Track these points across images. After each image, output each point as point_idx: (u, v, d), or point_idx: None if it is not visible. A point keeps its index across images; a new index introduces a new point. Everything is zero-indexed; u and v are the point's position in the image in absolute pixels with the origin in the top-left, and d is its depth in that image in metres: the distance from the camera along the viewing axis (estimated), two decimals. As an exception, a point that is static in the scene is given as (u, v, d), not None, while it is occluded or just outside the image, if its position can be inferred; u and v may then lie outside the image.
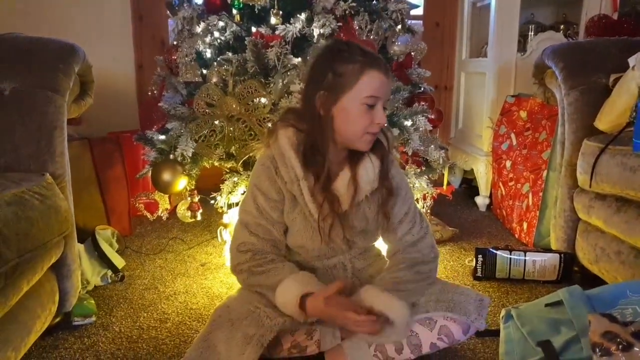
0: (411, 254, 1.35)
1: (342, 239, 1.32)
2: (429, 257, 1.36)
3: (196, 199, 2.04)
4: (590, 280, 1.80)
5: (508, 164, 2.52)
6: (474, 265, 1.92)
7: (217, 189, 1.93)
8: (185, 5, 2.04)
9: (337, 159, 1.30)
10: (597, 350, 1.08)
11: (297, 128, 1.27)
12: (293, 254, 1.38)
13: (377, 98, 1.20)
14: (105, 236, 2.07)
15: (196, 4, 2.04)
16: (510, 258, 1.87)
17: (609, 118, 1.73)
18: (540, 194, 2.19)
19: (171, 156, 1.93)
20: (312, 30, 1.85)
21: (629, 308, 1.19)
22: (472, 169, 2.95)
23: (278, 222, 1.31)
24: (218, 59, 1.92)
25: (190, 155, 1.90)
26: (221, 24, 1.91)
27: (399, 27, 2.06)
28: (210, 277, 1.97)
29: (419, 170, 2.06)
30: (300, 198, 1.27)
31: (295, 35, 1.83)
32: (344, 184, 1.29)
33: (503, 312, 1.43)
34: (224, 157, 1.89)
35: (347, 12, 1.88)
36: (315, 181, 1.25)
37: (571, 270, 1.87)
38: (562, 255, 1.87)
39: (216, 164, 1.93)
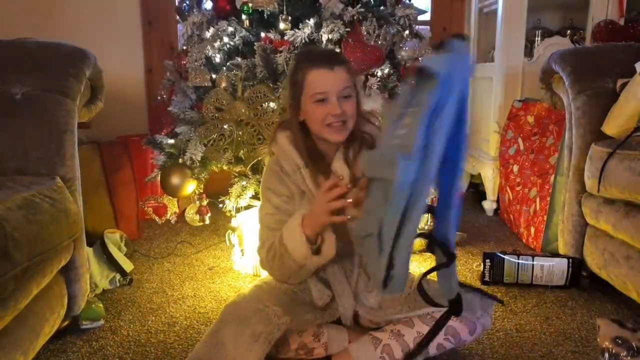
0: None
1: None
2: None
3: (205, 202, 2.05)
4: (599, 285, 1.80)
5: (515, 168, 2.52)
6: (481, 269, 1.92)
7: (226, 193, 1.94)
8: (195, 10, 2.06)
9: (331, 150, 1.40)
10: (607, 355, 1.08)
11: (292, 130, 1.39)
12: None
13: (324, 93, 1.31)
14: (114, 240, 2.08)
15: (206, 9, 2.06)
16: (518, 263, 1.87)
17: (616, 123, 1.73)
18: (548, 198, 2.19)
19: (180, 160, 1.94)
20: (321, 35, 1.85)
21: None
22: (479, 174, 2.95)
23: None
24: (227, 63, 1.93)
25: (199, 159, 1.91)
26: (230, 29, 1.93)
27: (407, 32, 2.06)
28: (218, 281, 1.98)
29: (426, 174, 2.05)
30: (304, 186, 1.37)
31: (303, 41, 1.84)
32: (340, 164, 1.37)
33: None
34: (233, 161, 1.89)
35: (355, 17, 1.89)
36: (314, 166, 1.36)
37: (579, 275, 1.86)
38: (570, 260, 1.86)
39: (225, 167, 1.93)
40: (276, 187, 1.41)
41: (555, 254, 1.97)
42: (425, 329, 1.31)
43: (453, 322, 1.30)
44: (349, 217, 1.22)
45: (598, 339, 1.26)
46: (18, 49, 1.57)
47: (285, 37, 1.86)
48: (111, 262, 1.93)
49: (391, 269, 0.93)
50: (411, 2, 2.15)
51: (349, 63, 1.37)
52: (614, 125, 1.74)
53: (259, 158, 1.85)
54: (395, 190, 0.89)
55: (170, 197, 2.07)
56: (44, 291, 1.34)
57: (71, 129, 1.52)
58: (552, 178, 2.19)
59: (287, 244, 1.29)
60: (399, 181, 0.88)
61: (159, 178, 2.00)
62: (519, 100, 2.60)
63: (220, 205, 1.97)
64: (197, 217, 2.06)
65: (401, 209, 0.89)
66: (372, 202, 1.00)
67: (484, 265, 1.90)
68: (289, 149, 1.39)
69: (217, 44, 1.96)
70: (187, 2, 2.15)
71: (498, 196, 2.77)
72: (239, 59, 1.91)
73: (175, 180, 1.92)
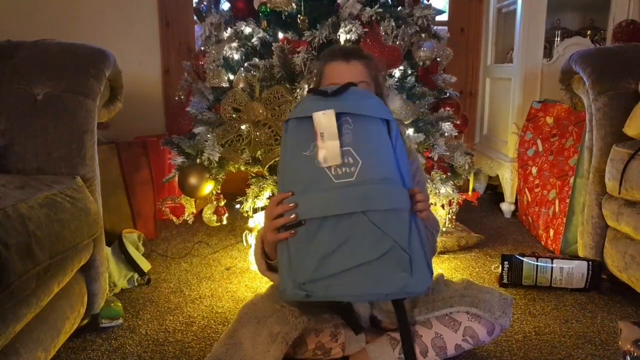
0: None
1: None
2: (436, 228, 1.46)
3: (222, 203, 2.05)
4: (620, 288, 1.78)
5: (534, 170, 2.49)
6: (499, 271, 1.90)
7: (243, 193, 1.95)
8: (212, 11, 2.07)
9: None
10: (628, 358, 1.07)
11: None
12: None
13: (337, 83, 1.27)
14: (132, 239, 2.09)
15: (223, 10, 2.07)
16: (537, 265, 1.85)
17: (639, 124, 1.70)
18: (567, 200, 2.16)
19: (198, 161, 1.95)
20: (339, 36, 1.86)
21: None
22: (497, 175, 2.92)
23: None
24: (245, 64, 1.94)
25: (217, 160, 1.92)
26: (248, 30, 1.93)
27: (425, 33, 2.06)
28: (235, 281, 1.98)
29: (444, 176, 2.05)
30: None
31: (321, 41, 1.84)
32: None
33: None
34: (250, 161, 1.90)
35: (373, 18, 1.89)
36: None
37: (599, 278, 1.84)
38: (590, 262, 1.84)
39: (242, 168, 1.94)
40: None
41: (575, 257, 1.95)
42: (443, 330, 1.30)
43: (471, 323, 1.30)
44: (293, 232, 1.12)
45: (619, 342, 1.25)
46: (40, 50, 1.59)
47: (303, 38, 1.86)
48: (129, 262, 1.94)
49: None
50: (429, 2, 2.14)
51: (369, 60, 1.39)
52: (636, 127, 1.71)
53: (276, 158, 1.85)
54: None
55: (188, 198, 2.08)
56: (64, 289, 1.36)
57: (91, 129, 1.53)
58: (571, 180, 2.17)
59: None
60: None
61: (176, 178, 2.02)
62: (538, 101, 2.57)
63: (238, 206, 1.98)
64: (214, 217, 2.07)
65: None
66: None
67: (502, 267, 1.88)
68: None
69: (234, 45, 1.97)
70: (205, 3, 2.17)
71: (516, 198, 2.75)
72: (257, 60, 1.92)
73: (192, 180, 1.93)
